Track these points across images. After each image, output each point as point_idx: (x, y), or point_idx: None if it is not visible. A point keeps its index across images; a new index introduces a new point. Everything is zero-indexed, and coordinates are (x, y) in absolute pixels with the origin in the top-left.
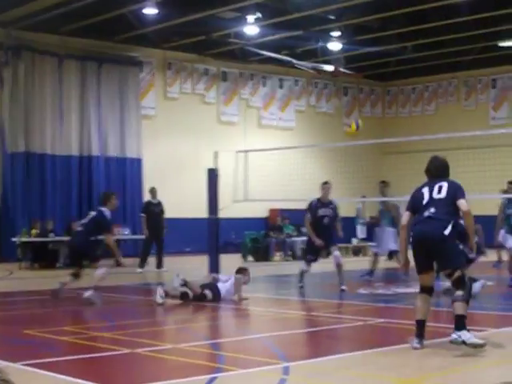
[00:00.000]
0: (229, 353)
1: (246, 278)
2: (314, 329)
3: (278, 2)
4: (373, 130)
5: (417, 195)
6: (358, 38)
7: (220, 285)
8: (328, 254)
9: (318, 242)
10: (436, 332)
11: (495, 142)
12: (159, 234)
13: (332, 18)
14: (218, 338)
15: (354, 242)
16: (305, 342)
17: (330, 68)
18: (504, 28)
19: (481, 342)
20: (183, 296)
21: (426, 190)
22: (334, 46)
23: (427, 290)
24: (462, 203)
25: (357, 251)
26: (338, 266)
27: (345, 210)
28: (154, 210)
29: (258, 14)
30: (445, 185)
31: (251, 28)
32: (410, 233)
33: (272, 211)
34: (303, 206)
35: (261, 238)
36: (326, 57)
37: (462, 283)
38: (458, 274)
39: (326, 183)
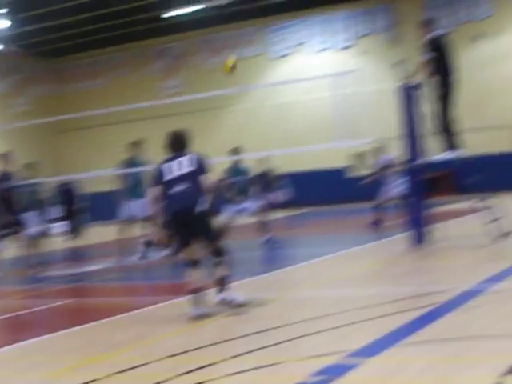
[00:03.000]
0: None
1: None
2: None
3: None
4: (47, 108)
5: (160, 170)
6: (25, 14)
7: None
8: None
9: None
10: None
11: (167, 111)
12: None
13: None
14: None
15: None
16: None
17: None
18: None
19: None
20: None
21: (168, 165)
22: (2, 23)
23: (195, 262)
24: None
25: None
26: None
27: None
28: None
29: None
30: (185, 159)
31: None
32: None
33: None
34: None
35: None
36: None
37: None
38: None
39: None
